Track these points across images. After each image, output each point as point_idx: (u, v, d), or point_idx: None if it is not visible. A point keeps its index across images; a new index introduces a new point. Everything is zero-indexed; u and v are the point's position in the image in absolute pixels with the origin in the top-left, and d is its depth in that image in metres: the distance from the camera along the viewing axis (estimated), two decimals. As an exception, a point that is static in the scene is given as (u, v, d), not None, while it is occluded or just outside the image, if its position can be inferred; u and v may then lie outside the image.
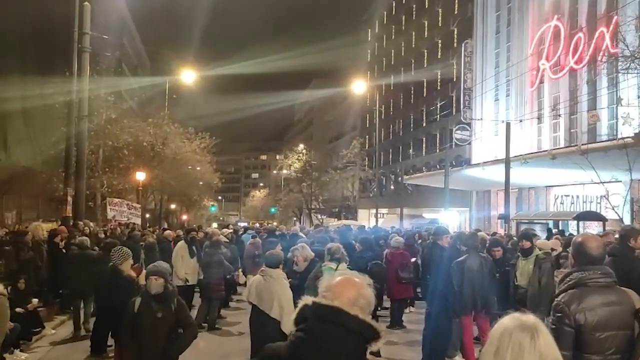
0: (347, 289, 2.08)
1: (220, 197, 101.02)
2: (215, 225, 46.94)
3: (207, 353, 8.68)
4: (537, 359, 1.83)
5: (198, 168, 39.32)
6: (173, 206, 49.28)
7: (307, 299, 2.10)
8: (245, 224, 49.04)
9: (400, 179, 39.85)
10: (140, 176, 26.64)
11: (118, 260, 7.08)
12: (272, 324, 5.45)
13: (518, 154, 23.79)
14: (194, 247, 10.68)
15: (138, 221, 22.01)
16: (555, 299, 3.22)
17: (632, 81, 18.60)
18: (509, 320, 1.94)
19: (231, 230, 17.13)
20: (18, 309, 8.48)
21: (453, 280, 7.02)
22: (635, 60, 14.49)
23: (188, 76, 27.42)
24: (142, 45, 48.85)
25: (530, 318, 1.95)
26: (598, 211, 21.62)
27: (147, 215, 35.18)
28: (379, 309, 11.54)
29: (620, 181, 19.59)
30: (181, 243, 11.09)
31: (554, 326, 3.13)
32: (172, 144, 30.78)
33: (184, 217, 56.69)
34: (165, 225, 35.48)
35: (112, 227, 19.01)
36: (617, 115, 22.57)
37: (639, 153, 14.91)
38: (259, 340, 5.56)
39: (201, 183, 43.57)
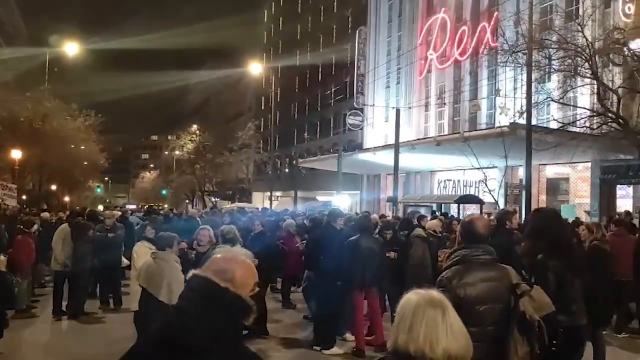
0: (218, 262, 2.06)
1: (107, 178, 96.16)
2: (101, 207, 44.66)
3: (94, 341, 8.31)
4: (447, 332, 1.91)
5: (82, 147, 37.15)
6: (54, 187, 46.20)
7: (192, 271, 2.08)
8: (134, 207, 47.16)
9: (294, 162, 40.16)
10: (16, 154, 24.64)
11: None
12: (161, 308, 5.31)
13: (407, 139, 24.89)
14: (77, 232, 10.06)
15: (14, 203, 20.37)
16: (440, 275, 3.44)
17: (509, 74, 20.06)
18: (417, 296, 1.98)
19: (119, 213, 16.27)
20: None
21: (344, 257, 7.26)
22: (512, 55, 15.60)
23: (70, 48, 25.64)
24: (19, 12, 44.90)
25: (436, 294, 2.02)
26: (476, 195, 23.19)
27: (24, 197, 32.71)
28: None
29: (497, 167, 21.16)
30: (63, 226, 10.42)
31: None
32: (54, 121, 28.75)
33: (67, 198, 53.30)
34: (45, 207, 33.17)
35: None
36: (495, 106, 24.29)
37: (513, 141, 16.14)
38: (148, 324, 5.42)
39: (86, 163, 41.24)
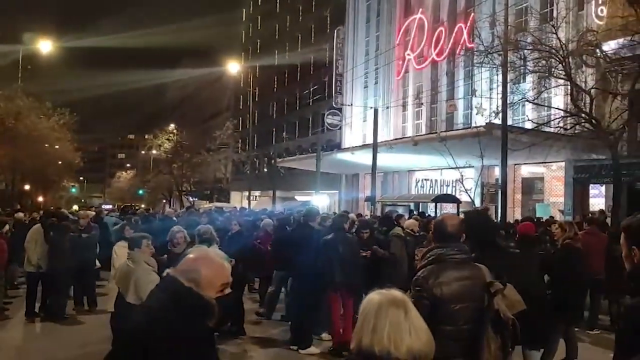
0: (187, 261, 2.07)
1: (82, 178, 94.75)
2: (75, 207, 43.97)
3: (67, 343, 8.19)
4: (410, 331, 1.93)
5: (57, 146, 36.55)
6: (27, 187, 45.39)
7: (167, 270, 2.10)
8: (110, 207, 46.58)
9: (273, 161, 40.07)
10: (-12, 154, 24.13)
11: None
12: (129, 309, 5.25)
13: (385, 139, 25.01)
14: (51, 233, 9.87)
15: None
16: (416, 274, 3.46)
17: (485, 74, 20.24)
18: (380, 296, 2.00)
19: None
20: None
21: (318, 257, 7.26)
22: (488, 56, 15.76)
23: (44, 46, 25.21)
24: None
25: (398, 293, 2.03)
26: (453, 194, 23.40)
27: (-4, 197, 32.12)
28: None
29: (473, 167, 21.39)
30: (37, 227, 10.22)
31: (412, 299, 3.34)
32: (27, 120, 28.24)
33: (40, 198, 52.36)
34: (19, 207, 32.57)
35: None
36: (472, 106, 24.54)
37: (489, 141, 16.32)
38: (120, 326, 5.37)
39: (60, 162, 40.57)
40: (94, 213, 14.80)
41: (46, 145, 34.26)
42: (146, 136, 64.52)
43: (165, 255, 6.44)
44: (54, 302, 9.54)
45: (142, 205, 51.82)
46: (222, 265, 2.11)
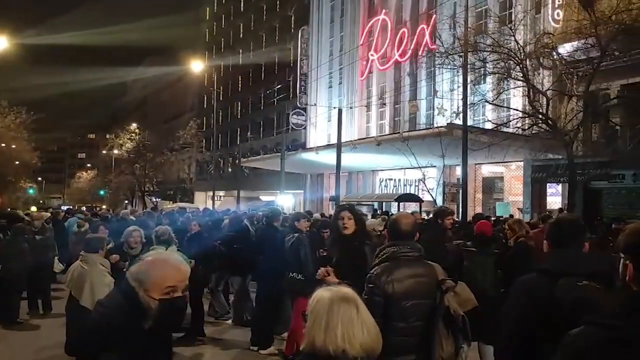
0: (140, 262, 2.15)
1: (40, 178, 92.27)
2: (34, 208, 42.79)
3: (20, 348, 7.95)
4: (362, 328, 1.90)
5: (13, 146, 35.52)
6: (-18, 188, 43.94)
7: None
8: (69, 207, 45.45)
9: (237, 161, 39.81)
10: (-61, 154, 23.24)
11: None
12: (83, 312, 5.14)
13: (349, 139, 25.13)
14: (1, 235, 9.56)
15: None
16: (369, 272, 3.49)
17: (446, 75, 20.57)
18: (330, 293, 1.95)
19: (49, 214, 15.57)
20: None
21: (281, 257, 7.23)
22: (449, 57, 16.02)
23: None
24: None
25: (347, 289, 2.00)
26: (416, 193, 23.68)
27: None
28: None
29: (435, 166, 21.68)
30: (-16, 229, 9.89)
31: (366, 296, 3.38)
32: (-20, 119, 27.35)
33: (-4, 200, 50.70)
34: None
35: None
36: (434, 106, 24.89)
37: (450, 141, 16.59)
38: (73, 330, 5.24)
39: (17, 162, 39.43)
40: (49, 214, 14.37)
41: (2, 144, 33.31)
42: (107, 136, 63.17)
43: (126, 263, 6.29)
44: (6, 306, 9.24)
45: (104, 206, 50.76)
46: (175, 267, 2.09)
